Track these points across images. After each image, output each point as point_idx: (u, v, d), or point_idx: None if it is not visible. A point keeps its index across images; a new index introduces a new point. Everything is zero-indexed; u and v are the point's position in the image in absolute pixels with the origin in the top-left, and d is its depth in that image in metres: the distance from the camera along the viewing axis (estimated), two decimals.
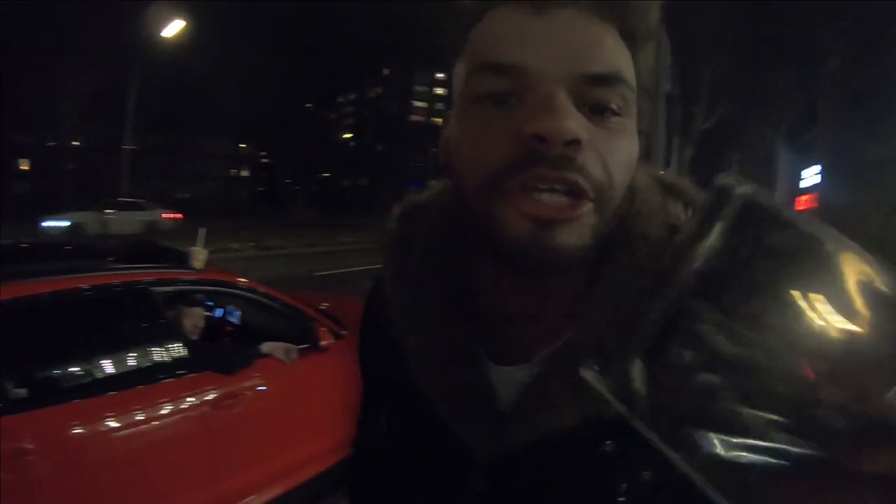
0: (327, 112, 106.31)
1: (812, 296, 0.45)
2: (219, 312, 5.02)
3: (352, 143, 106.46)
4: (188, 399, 3.49)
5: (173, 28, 27.26)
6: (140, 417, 3.27)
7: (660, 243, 0.68)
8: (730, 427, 0.45)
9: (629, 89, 0.63)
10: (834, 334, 0.44)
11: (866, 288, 0.44)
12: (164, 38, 27.82)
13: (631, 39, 0.65)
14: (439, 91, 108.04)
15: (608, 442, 0.64)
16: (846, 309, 0.44)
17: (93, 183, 41.42)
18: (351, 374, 3.83)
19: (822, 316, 0.44)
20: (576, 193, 0.60)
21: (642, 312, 0.49)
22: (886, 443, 0.42)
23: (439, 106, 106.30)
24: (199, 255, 4.12)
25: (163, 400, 3.40)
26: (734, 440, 0.45)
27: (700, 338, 0.47)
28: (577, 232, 0.61)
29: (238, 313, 4.95)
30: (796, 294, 0.45)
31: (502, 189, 0.61)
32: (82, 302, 3.38)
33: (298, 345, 4.21)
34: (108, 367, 3.33)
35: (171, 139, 61.68)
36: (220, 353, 3.97)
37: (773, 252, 0.46)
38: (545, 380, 0.68)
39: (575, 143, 0.58)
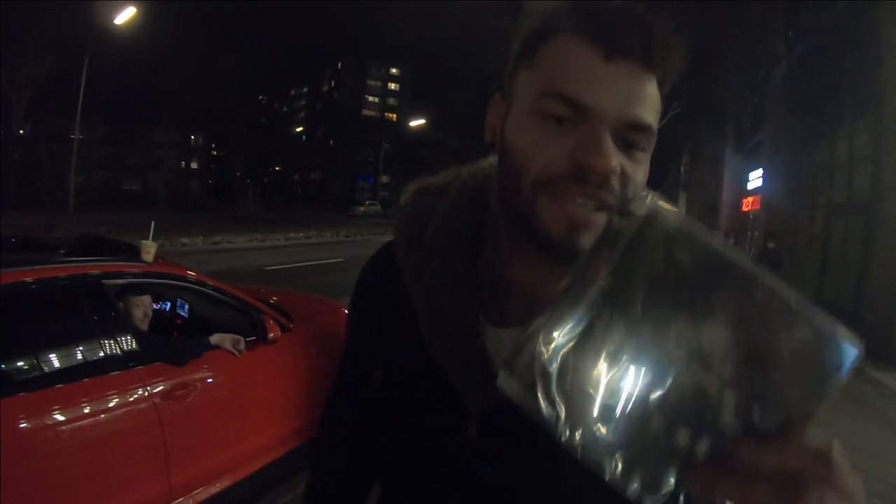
0: (280, 105, 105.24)
1: (708, 306, 0.52)
2: (168, 306, 5.04)
3: (304, 137, 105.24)
4: (138, 391, 3.49)
5: (125, 15, 26.61)
6: (90, 410, 3.26)
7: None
8: (627, 424, 0.53)
9: (653, 133, 0.80)
10: (730, 345, 0.51)
11: (761, 300, 0.51)
12: (115, 26, 27.13)
13: (663, 86, 0.82)
14: (392, 86, 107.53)
15: None
16: (739, 320, 0.51)
17: (39, 174, 40.54)
18: (299, 366, 3.92)
19: (717, 326, 0.52)
20: (604, 207, 0.77)
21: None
22: (777, 441, 0.50)
23: (392, 101, 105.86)
24: (148, 248, 4.13)
25: (113, 392, 3.38)
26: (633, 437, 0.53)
27: (605, 341, 0.55)
28: (596, 233, 0.70)
29: (187, 306, 4.98)
30: (696, 305, 0.53)
31: (549, 191, 0.77)
32: (30, 294, 3.34)
33: (247, 337, 4.25)
34: (56, 360, 3.31)
35: (120, 130, 60.40)
36: (170, 344, 3.96)
37: (671, 266, 0.54)
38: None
39: (613, 174, 0.75)
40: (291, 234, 27.10)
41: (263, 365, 4.36)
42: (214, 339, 4.09)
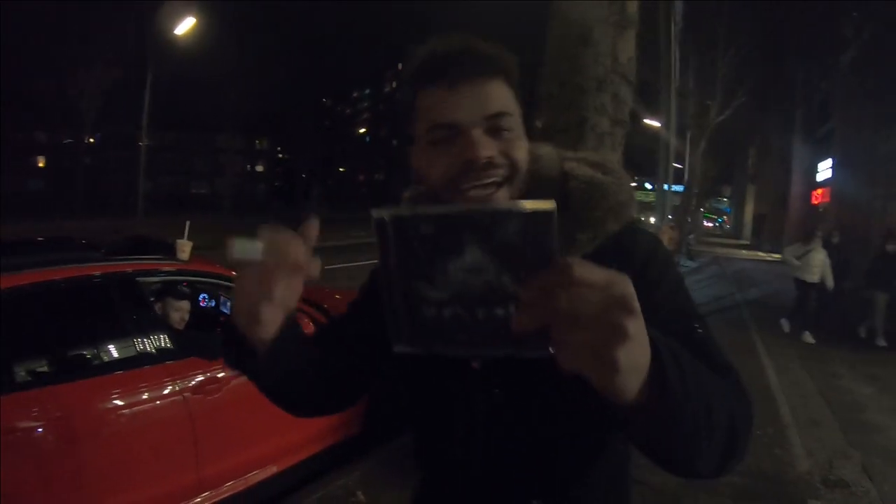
0: (343, 107, 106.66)
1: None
2: (213, 303, 5.12)
3: (367, 138, 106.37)
4: (170, 385, 3.58)
5: (185, 25, 27.29)
6: (121, 402, 3.36)
7: (558, 190, 1.19)
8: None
9: (511, 114, 1.09)
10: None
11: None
12: (176, 36, 27.85)
13: (511, 79, 1.11)
14: None
15: None
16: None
17: (109, 180, 41.82)
18: None
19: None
20: (504, 183, 1.07)
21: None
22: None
23: None
24: (184, 247, 4.24)
25: (144, 385, 3.49)
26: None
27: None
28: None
29: (230, 304, 4.99)
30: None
31: (454, 189, 1.07)
32: (74, 290, 3.48)
33: None
34: (92, 353, 3.43)
35: (187, 136, 61.86)
36: (205, 339, 4.05)
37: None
38: None
39: (489, 157, 1.05)
40: (353, 234, 27.33)
41: None
42: None
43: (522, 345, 0.72)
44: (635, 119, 19.01)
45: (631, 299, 0.66)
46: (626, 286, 0.67)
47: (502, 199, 1.06)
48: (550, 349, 0.68)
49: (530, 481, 1.15)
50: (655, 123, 20.01)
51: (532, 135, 1.18)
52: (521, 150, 1.09)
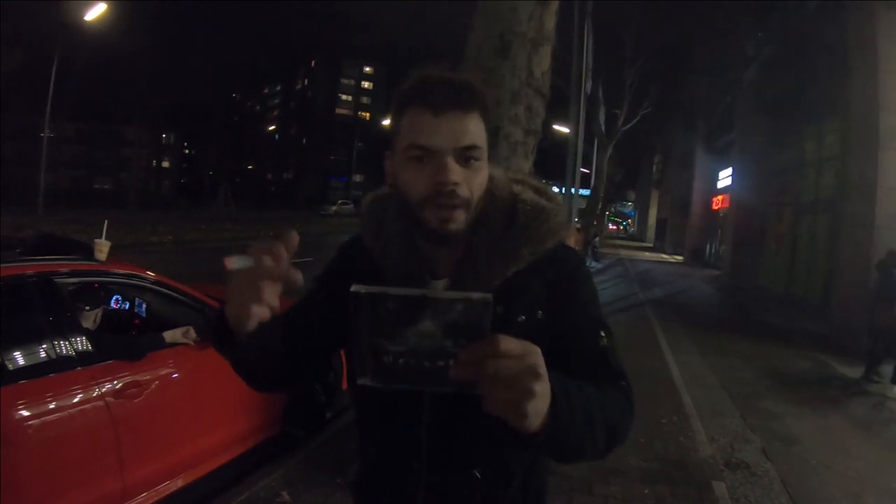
0: (253, 103, 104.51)
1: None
2: (126, 306, 4.98)
3: (277, 136, 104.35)
4: (90, 389, 3.46)
5: (95, 11, 26.20)
6: (38, 409, 3.23)
7: (508, 209, 1.40)
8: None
9: (480, 148, 1.26)
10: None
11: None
12: (85, 22, 26.74)
13: (485, 115, 1.29)
14: (366, 85, 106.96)
15: None
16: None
17: (7, 172, 39.85)
18: None
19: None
20: (461, 205, 1.24)
21: None
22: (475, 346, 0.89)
23: (365, 100, 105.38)
24: (101, 247, 4.09)
25: (63, 390, 3.36)
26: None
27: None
28: (460, 222, 1.25)
29: (145, 306, 4.91)
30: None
31: (426, 205, 1.24)
32: None
33: (202, 335, 4.23)
34: (7, 358, 3.26)
35: (90, 127, 59.47)
36: (124, 341, 3.95)
37: None
38: (454, 285, 1.34)
39: (456, 184, 1.22)
40: (262, 233, 26.97)
41: (217, 363, 4.21)
42: (168, 335, 4.09)
43: (457, 387, 0.91)
44: (546, 127, 19.37)
45: (539, 367, 0.88)
46: (537, 357, 0.89)
47: (461, 216, 1.25)
48: (476, 391, 0.89)
49: (471, 455, 1.37)
50: (564, 129, 20.49)
51: None
52: (482, 179, 1.29)
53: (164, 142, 70.21)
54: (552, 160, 25.47)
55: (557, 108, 18.39)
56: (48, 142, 29.58)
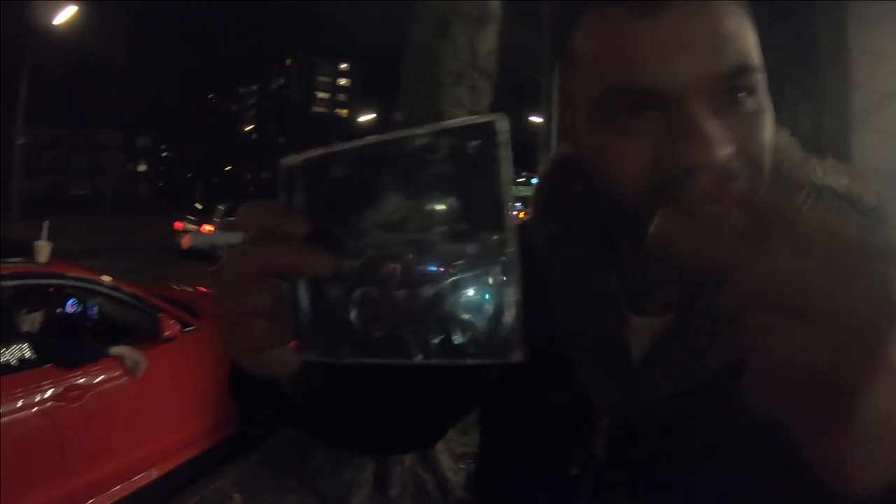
0: (229, 103, 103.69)
1: None
2: (77, 308, 4.83)
3: (254, 136, 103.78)
4: (29, 394, 3.38)
5: (65, 14, 25.85)
6: None
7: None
8: None
9: (752, 71, 0.58)
10: None
11: None
12: (55, 26, 26.43)
13: (750, 8, 0.61)
14: (342, 82, 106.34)
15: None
16: None
17: None
18: (205, 365, 4.14)
19: None
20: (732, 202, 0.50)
21: None
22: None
23: (342, 97, 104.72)
24: (42, 249, 4.02)
25: (6, 396, 3.27)
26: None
27: None
28: None
29: (97, 308, 4.75)
30: None
31: (658, 201, 0.48)
32: None
33: (144, 335, 4.18)
34: None
35: (65, 133, 58.93)
36: (64, 346, 3.85)
37: None
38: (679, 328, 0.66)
39: (724, 159, 0.56)
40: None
41: (161, 364, 4.16)
42: (116, 350, 3.91)
43: (479, 345, 0.44)
44: (519, 118, 19.58)
45: None
46: None
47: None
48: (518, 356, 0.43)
49: None
50: (539, 119, 20.68)
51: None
52: (766, 136, 0.60)
53: (139, 144, 69.67)
54: (528, 151, 25.68)
55: (531, 99, 18.55)
56: (21, 149, 29.30)
